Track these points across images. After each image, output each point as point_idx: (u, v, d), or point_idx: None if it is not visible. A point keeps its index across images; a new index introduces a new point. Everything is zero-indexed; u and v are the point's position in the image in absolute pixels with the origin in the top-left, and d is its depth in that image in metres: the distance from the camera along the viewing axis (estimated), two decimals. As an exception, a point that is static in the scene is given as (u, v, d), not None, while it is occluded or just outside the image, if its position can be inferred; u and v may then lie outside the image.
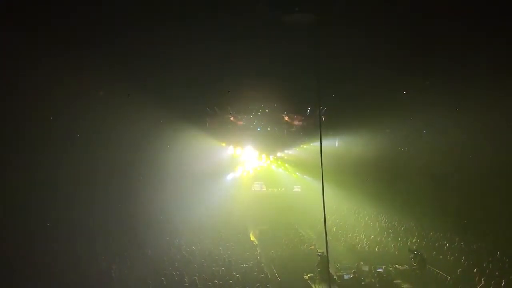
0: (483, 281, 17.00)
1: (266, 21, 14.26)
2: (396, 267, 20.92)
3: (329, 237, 16.81)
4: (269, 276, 18.39)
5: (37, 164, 20.56)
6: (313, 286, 18.72)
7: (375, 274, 19.61)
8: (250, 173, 44.39)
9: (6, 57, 15.06)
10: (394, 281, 19.40)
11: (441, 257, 21.69)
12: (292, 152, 42.76)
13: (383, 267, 20.08)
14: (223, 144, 39.87)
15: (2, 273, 15.26)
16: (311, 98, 28.61)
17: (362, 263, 20.88)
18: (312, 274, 19.63)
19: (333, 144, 37.66)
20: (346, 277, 19.40)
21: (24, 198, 20.71)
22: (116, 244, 21.69)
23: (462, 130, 24.72)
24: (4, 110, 17.64)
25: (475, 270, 18.10)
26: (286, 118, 39.05)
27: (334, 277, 19.13)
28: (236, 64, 20.14)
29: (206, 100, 30.53)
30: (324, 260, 17.39)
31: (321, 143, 11.35)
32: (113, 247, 21.15)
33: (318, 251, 20.58)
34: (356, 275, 19.31)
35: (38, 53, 15.17)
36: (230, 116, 37.95)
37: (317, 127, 36.95)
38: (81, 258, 18.20)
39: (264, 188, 45.73)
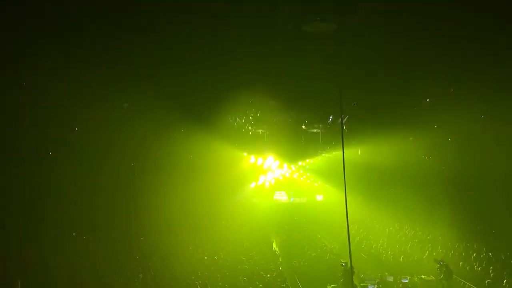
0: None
1: (286, 29, 14.28)
2: (422, 277, 20.56)
3: (352, 247, 16.67)
4: (292, 287, 18.27)
5: (54, 173, 20.76)
6: (337, 296, 18.56)
7: (400, 285, 19.32)
8: (272, 182, 44.34)
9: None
10: (420, 292, 19.11)
11: (468, 267, 21.25)
12: (313, 161, 42.61)
13: (409, 277, 19.77)
14: (245, 154, 40.00)
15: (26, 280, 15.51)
16: (333, 107, 28.51)
17: (386, 273, 20.62)
18: (335, 285, 19.43)
19: (356, 152, 37.42)
20: (370, 287, 19.17)
21: (47, 209, 20.97)
22: (140, 254, 21.87)
23: (488, 137, 24.35)
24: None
25: (504, 281, 17.68)
26: (307, 127, 39.02)
27: (358, 287, 18.90)
28: (257, 73, 20.22)
29: (228, 110, 30.64)
30: (348, 271, 17.23)
31: (343, 152, 11.33)
32: (137, 257, 21.34)
33: (342, 261, 20.40)
34: (380, 285, 19.08)
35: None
36: (251, 125, 38.12)
37: (339, 135, 36.91)
38: (106, 269, 18.36)
39: (286, 197, 45.58)
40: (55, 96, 17.81)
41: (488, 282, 18.31)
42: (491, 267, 20.14)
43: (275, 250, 26.82)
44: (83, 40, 15.13)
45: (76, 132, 22.51)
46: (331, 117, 36.90)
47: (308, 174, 45.09)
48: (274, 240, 31.81)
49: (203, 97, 24.42)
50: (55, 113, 19.18)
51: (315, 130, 38.96)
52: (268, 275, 19.17)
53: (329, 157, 39.52)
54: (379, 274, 20.44)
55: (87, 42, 15.37)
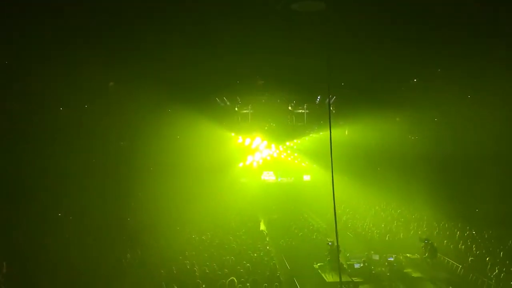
0: (497, 270, 16.92)
1: (275, 9, 14.11)
2: (407, 256, 20.88)
3: (339, 226, 16.80)
4: (279, 265, 18.42)
5: (47, 153, 20.63)
6: (323, 275, 18.73)
7: (386, 263, 19.59)
8: (260, 162, 44.39)
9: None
10: (405, 270, 19.38)
11: (452, 245, 21.60)
12: (301, 141, 42.68)
13: (394, 256, 20.03)
14: (232, 134, 39.94)
15: (14, 262, 15.45)
16: (321, 87, 28.47)
17: (372, 252, 20.87)
18: (322, 263, 19.64)
19: (343, 133, 37.54)
20: (356, 266, 19.40)
21: (34, 189, 20.82)
22: (127, 235, 21.86)
23: (473, 117, 24.57)
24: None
25: (487, 258, 18.00)
26: (295, 107, 38.98)
27: (344, 266, 19.12)
28: (245, 53, 20.07)
29: (215, 90, 30.47)
30: (334, 249, 17.41)
31: (330, 132, 11.30)
32: (125, 236, 21.34)
33: (328, 240, 20.59)
34: (366, 264, 19.32)
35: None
36: (239, 105, 37.98)
37: (327, 116, 36.93)
38: (93, 247, 18.34)
39: (273, 177, 45.70)
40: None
41: (471, 259, 18.66)
42: (474, 245, 20.49)
43: (262, 230, 26.95)
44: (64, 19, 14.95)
45: (62, 112, 22.30)
46: (318, 97, 36.92)
47: (296, 154, 45.18)
48: (262, 220, 31.97)
49: (190, 78, 24.24)
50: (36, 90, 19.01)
51: (302, 110, 38.98)
52: (255, 254, 19.28)
53: (317, 137, 39.63)
54: (365, 253, 20.69)
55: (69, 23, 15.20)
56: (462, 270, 18.68)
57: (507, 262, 17.80)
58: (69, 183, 21.95)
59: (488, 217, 24.85)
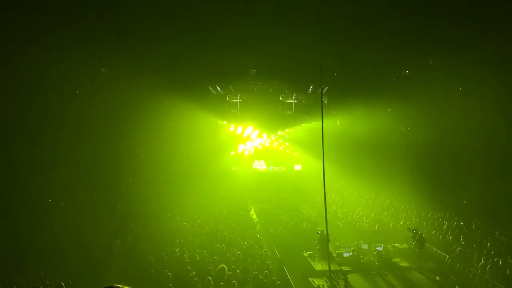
0: (483, 260, 17.16)
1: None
2: (395, 245, 21.07)
3: (329, 216, 16.88)
4: (269, 253, 18.52)
5: (37, 142, 20.55)
6: (312, 263, 18.88)
7: (375, 252, 19.76)
8: (251, 151, 44.39)
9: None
10: (393, 260, 19.55)
11: (440, 236, 21.83)
12: (293, 130, 42.73)
13: (382, 245, 20.21)
14: (224, 122, 39.90)
15: (3, 247, 15.44)
16: (313, 77, 28.47)
17: (361, 241, 21.03)
18: (311, 252, 19.78)
19: (334, 123, 37.64)
20: (345, 255, 19.56)
21: (23, 176, 20.75)
22: (118, 220, 21.88)
23: (461, 110, 24.73)
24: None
25: (474, 246, 18.22)
26: (287, 96, 39.01)
27: (334, 254, 19.27)
28: (239, 42, 20.01)
29: (208, 78, 30.38)
30: (324, 238, 17.52)
31: (322, 122, 11.36)
32: (115, 223, 21.34)
33: (318, 229, 20.71)
34: (355, 253, 19.48)
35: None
36: (231, 94, 37.93)
37: (319, 106, 37.02)
38: (83, 233, 18.34)
39: (265, 166, 45.73)
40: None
41: (458, 250, 18.88)
42: (461, 236, 20.73)
43: (253, 218, 27.02)
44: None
45: (52, 98, 22.16)
46: (311, 87, 36.96)
47: (287, 143, 45.22)
48: (252, 208, 32.05)
49: (182, 67, 24.15)
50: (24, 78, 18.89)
51: (294, 100, 39.00)
52: (246, 242, 19.37)
53: (308, 127, 39.69)
54: (354, 242, 20.85)
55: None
56: (450, 260, 18.90)
57: (492, 252, 18.07)
58: (59, 171, 21.89)
59: (475, 208, 25.10)
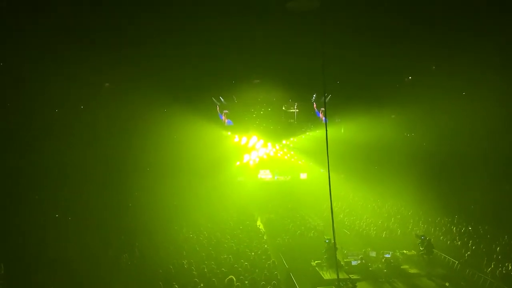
0: (492, 265, 17.04)
1: (270, 8, 14.16)
2: (403, 252, 20.96)
3: (336, 224, 16.84)
4: (277, 263, 18.45)
5: (46, 153, 20.65)
6: (320, 272, 18.77)
7: (383, 260, 19.66)
8: (256, 161, 44.42)
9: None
10: (402, 267, 19.45)
11: (448, 241, 21.70)
12: (297, 139, 42.76)
13: (391, 252, 20.11)
14: (229, 133, 39.99)
15: (12, 262, 15.49)
16: (316, 85, 28.53)
17: (369, 249, 20.93)
18: (319, 261, 19.69)
19: (339, 130, 37.65)
20: (353, 263, 19.47)
21: (33, 189, 20.83)
22: (125, 233, 21.88)
23: (466, 113, 24.66)
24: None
25: (483, 250, 18.10)
26: (291, 105, 39.11)
27: (342, 263, 19.19)
28: (241, 53, 20.12)
29: (212, 90, 30.54)
30: (331, 247, 17.44)
31: (326, 130, 11.34)
32: (123, 236, 21.35)
33: (325, 237, 20.62)
34: (363, 261, 19.38)
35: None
36: (235, 104, 38.05)
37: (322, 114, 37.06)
38: (91, 247, 18.35)
39: (270, 175, 45.73)
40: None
41: (468, 254, 18.76)
42: (470, 241, 20.59)
43: (260, 229, 26.95)
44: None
45: (57, 112, 22.32)
46: (314, 95, 37.04)
47: (292, 152, 45.23)
48: (259, 218, 31.99)
49: (186, 78, 24.28)
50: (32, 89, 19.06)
51: (298, 109, 39.12)
52: (253, 253, 19.31)
53: (313, 135, 39.73)
54: (362, 250, 20.76)
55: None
56: (459, 265, 18.77)
57: (499, 257, 17.95)
58: (68, 184, 21.98)
59: (483, 212, 24.96)
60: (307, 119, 40.00)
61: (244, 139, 40.37)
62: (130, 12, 15.48)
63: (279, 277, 16.10)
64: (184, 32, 17.58)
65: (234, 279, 14.57)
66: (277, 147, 44.29)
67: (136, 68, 21.19)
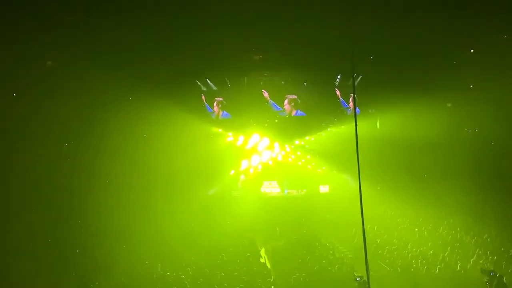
0: None
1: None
2: (465, 294, 21.03)
3: (370, 255, 16.86)
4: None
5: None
6: (349, 323, 18.91)
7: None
8: (259, 169, 44.48)
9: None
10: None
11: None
12: (315, 138, 42.78)
13: (447, 295, 20.21)
14: (220, 130, 39.99)
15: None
16: (341, 63, 28.54)
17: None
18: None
19: (373, 125, 37.63)
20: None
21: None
22: (79, 272, 22.10)
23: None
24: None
25: None
26: (307, 91, 38.97)
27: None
28: (235, 17, 20.28)
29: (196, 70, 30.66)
30: (364, 287, 17.53)
31: (356, 125, 11.41)
32: (74, 275, 21.55)
33: (356, 274, 20.72)
34: (408, 308, 19.50)
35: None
36: (229, 90, 37.99)
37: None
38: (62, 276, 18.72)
39: (278, 189, 45.79)
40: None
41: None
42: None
43: (264, 262, 27.02)
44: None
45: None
46: (338, 76, 37.00)
47: (309, 156, 45.26)
48: (263, 248, 32.07)
49: (161, 53, 24.46)
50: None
51: (317, 96, 38.88)
52: (255, 297, 19.40)
53: (337, 132, 39.62)
54: (407, 292, 20.85)
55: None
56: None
57: None
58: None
59: None
60: (329, 110, 39.88)
61: (241, 139, 40.46)
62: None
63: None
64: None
65: None
66: (287, 149, 44.32)
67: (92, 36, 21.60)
